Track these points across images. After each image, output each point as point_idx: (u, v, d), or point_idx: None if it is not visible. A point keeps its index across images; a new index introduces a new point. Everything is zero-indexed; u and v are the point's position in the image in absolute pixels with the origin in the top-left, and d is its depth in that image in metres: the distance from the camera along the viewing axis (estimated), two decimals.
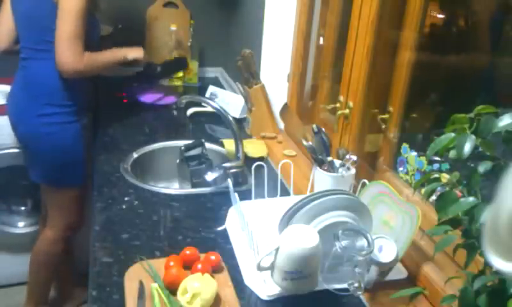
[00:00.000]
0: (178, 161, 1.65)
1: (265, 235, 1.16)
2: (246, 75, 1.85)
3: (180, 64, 2.35)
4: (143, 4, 2.42)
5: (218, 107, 1.51)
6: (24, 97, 1.72)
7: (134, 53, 1.84)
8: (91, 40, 1.67)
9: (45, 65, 1.64)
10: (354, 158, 1.24)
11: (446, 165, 1.04)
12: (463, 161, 0.66)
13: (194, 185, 1.55)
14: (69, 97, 1.71)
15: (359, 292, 0.97)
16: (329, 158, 1.28)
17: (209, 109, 1.63)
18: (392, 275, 1.04)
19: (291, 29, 1.79)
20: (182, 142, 1.72)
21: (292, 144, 1.77)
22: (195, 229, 1.25)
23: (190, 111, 2.13)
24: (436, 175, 0.75)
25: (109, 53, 1.78)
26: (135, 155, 1.69)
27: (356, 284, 0.96)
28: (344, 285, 0.99)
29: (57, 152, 1.74)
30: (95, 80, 2.34)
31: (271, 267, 0.97)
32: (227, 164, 1.52)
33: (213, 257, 1.07)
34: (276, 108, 1.84)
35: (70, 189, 1.84)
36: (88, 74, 1.72)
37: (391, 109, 1.27)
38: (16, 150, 1.85)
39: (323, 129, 1.29)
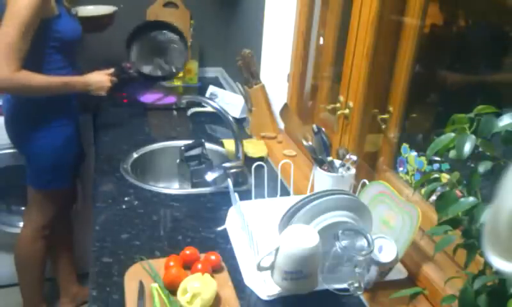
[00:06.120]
0: (178, 161, 1.65)
1: (265, 235, 1.16)
2: (246, 75, 1.85)
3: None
4: (143, 4, 2.43)
5: (218, 107, 1.51)
6: (10, 107, 1.72)
7: (97, 85, 1.71)
8: (66, 42, 1.63)
9: None
10: (354, 158, 1.24)
11: (446, 165, 1.04)
12: (463, 161, 0.66)
13: (194, 185, 1.55)
14: (57, 106, 1.69)
15: (359, 292, 0.97)
16: (329, 158, 1.28)
17: (209, 109, 1.63)
18: (392, 275, 1.04)
19: (291, 29, 1.79)
20: (182, 142, 1.72)
21: (292, 144, 1.77)
22: (195, 229, 1.25)
23: (190, 111, 2.13)
24: (436, 175, 0.75)
25: (58, 79, 1.60)
26: (135, 155, 1.69)
27: (356, 284, 0.96)
28: (344, 285, 0.99)
29: (46, 155, 1.72)
30: None
31: (271, 267, 0.97)
32: (227, 164, 1.52)
33: (213, 257, 1.07)
34: (276, 108, 1.84)
35: (56, 191, 1.83)
36: (16, 93, 1.62)
37: (391, 109, 1.27)
38: (16, 150, 1.84)
39: (323, 129, 1.29)
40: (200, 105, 2.09)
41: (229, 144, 1.74)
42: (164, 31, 2.30)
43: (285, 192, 1.38)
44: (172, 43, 2.30)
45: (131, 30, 2.20)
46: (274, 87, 1.88)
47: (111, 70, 1.80)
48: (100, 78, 1.74)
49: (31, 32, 1.48)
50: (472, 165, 0.69)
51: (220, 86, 2.43)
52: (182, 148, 1.64)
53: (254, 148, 1.71)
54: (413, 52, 1.17)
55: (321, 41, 1.69)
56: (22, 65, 1.48)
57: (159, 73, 2.28)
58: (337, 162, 1.29)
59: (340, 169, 1.26)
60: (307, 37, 1.74)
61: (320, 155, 1.28)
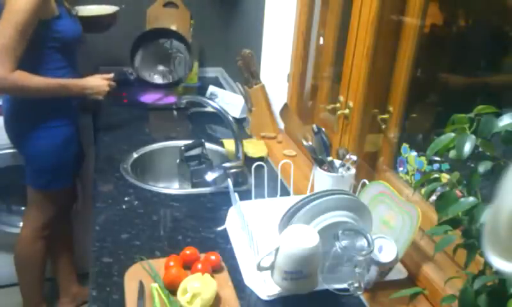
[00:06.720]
0: (178, 161, 1.65)
1: (265, 235, 1.16)
2: (246, 75, 1.85)
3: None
4: (143, 4, 2.43)
5: (218, 107, 1.51)
6: (9, 107, 1.72)
7: (95, 90, 1.70)
8: (66, 42, 1.63)
9: None
10: (354, 158, 1.24)
11: (446, 165, 1.04)
12: (463, 161, 0.66)
13: (194, 185, 1.55)
14: (57, 106, 1.68)
15: (359, 292, 0.97)
16: (329, 158, 1.28)
17: (209, 109, 1.63)
18: (392, 275, 1.04)
19: (291, 29, 1.79)
20: (182, 142, 1.72)
21: (292, 144, 1.77)
22: (195, 229, 1.25)
23: (190, 111, 2.13)
24: (436, 175, 0.75)
25: (55, 81, 1.60)
26: (135, 155, 1.69)
27: (356, 284, 0.96)
28: (344, 285, 0.99)
29: (46, 155, 1.72)
30: None
31: (271, 267, 0.97)
32: (227, 164, 1.52)
33: (213, 257, 1.07)
34: (276, 108, 1.84)
35: (56, 192, 1.83)
36: (12, 93, 1.63)
37: (391, 109, 1.27)
38: (16, 150, 1.85)
39: (323, 129, 1.29)
40: (200, 105, 2.09)
41: (229, 144, 1.73)
42: (171, 39, 2.30)
43: (285, 192, 1.38)
44: (177, 52, 2.30)
45: (137, 35, 2.19)
46: (274, 87, 1.88)
47: (111, 75, 1.78)
48: (98, 83, 1.72)
49: (28, 32, 1.47)
50: (472, 165, 0.69)
51: (220, 86, 2.43)
52: (182, 148, 1.64)
53: (254, 148, 1.71)
54: (413, 52, 1.17)
55: (321, 41, 1.69)
56: (17, 65, 1.48)
57: (161, 81, 2.28)
58: (337, 162, 1.29)
59: (340, 169, 1.26)
60: (307, 37, 1.74)
61: (320, 155, 1.28)
